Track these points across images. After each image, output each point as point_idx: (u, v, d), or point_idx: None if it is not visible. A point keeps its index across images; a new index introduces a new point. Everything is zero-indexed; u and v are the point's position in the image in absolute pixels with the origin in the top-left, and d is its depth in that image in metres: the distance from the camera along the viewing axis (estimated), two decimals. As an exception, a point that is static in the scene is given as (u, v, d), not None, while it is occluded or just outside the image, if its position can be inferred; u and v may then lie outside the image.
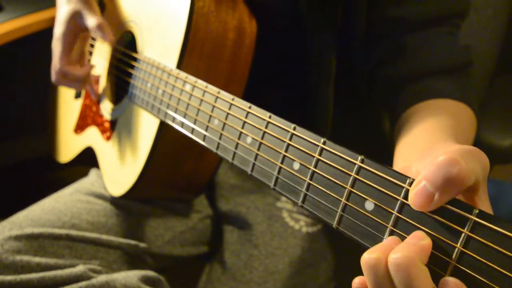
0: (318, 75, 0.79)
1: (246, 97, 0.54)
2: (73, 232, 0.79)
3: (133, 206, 0.88)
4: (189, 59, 0.72)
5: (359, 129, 0.89)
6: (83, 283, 0.71)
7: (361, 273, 0.36)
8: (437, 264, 0.33)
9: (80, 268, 0.74)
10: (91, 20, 0.82)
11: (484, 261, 0.31)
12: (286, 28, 0.82)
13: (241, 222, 0.90)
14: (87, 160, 0.99)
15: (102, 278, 0.73)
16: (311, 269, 0.86)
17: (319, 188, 0.43)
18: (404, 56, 0.71)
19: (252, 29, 0.77)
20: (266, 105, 0.51)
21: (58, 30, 0.85)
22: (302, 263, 0.85)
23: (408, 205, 0.36)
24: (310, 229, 0.87)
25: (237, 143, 0.53)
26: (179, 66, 0.72)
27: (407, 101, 0.69)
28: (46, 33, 1.09)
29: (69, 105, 1.10)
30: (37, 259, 0.73)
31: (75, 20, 0.84)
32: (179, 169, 0.82)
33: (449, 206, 0.33)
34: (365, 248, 0.37)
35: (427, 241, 0.34)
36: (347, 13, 0.75)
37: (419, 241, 0.34)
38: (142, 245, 0.85)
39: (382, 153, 0.60)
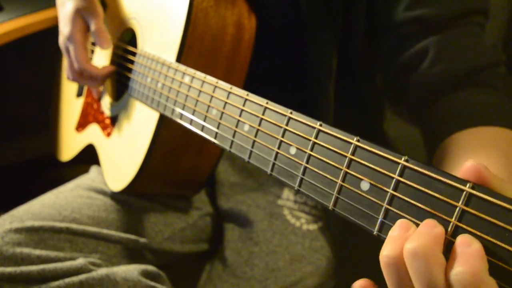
0: (319, 74, 0.79)
1: None
2: (74, 226, 0.79)
3: (133, 201, 0.88)
4: (188, 54, 0.72)
5: (360, 128, 0.89)
6: (83, 276, 0.71)
7: (360, 271, 0.36)
8: (432, 240, 0.33)
9: (80, 261, 0.74)
10: (91, 24, 0.84)
11: (479, 233, 0.31)
12: (286, 27, 0.82)
13: (242, 220, 0.90)
14: (88, 158, 1.00)
15: (102, 271, 0.73)
16: (312, 266, 0.85)
17: (315, 171, 0.43)
18: (425, 61, 0.68)
19: (252, 25, 0.77)
20: None
21: (67, 28, 0.85)
22: (303, 261, 0.85)
23: (404, 182, 0.36)
24: (311, 227, 0.87)
25: (235, 131, 0.53)
26: (178, 60, 0.72)
27: (446, 124, 0.65)
28: (46, 33, 1.11)
29: (71, 104, 1.10)
30: (37, 252, 0.73)
31: (82, 18, 0.85)
32: (178, 164, 0.82)
33: (444, 179, 0.33)
34: (366, 246, 0.37)
35: (440, 229, 0.33)
36: (348, 11, 0.75)
37: (432, 229, 0.33)
38: (142, 240, 0.85)
39: None
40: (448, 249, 0.32)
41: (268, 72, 0.88)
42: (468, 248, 0.30)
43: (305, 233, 0.87)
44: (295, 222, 0.88)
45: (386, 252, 0.34)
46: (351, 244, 0.88)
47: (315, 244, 0.86)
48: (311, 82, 0.80)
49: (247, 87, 0.78)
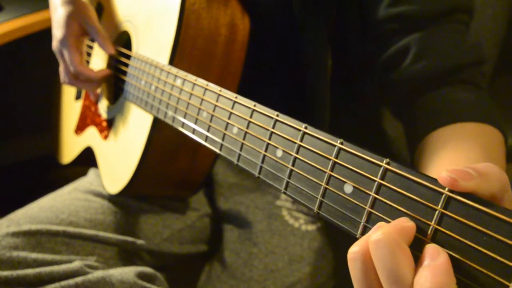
0: (314, 74, 0.79)
1: (243, 96, 0.53)
2: (71, 229, 0.79)
3: (131, 204, 0.89)
4: (180, 56, 0.72)
5: (358, 128, 0.89)
6: (79, 279, 0.71)
7: None
8: (413, 243, 0.33)
9: (76, 264, 0.74)
10: (94, 31, 0.85)
11: (457, 237, 0.30)
12: (280, 27, 0.82)
13: (241, 221, 0.90)
14: (86, 160, 1.00)
15: (98, 273, 0.73)
16: (311, 267, 0.85)
17: (300, 174, 0.43)
18: (407, 58, 0.68)
19: (245, 25, 0.77)
20: (263, 104, 0.50)
21: (60, 32, 0.86)
22: (302, 261, 0.85)
23: (385, 185, 0.35)
24: (310, 227, 0.87)
25: (224, 134, 0.53)
26: (171, 63, 0.72)
27: (427, 121, 0.65)
28: (46, 33, 1.11)
29: (70, 107, 1.11)
30: (34, 255, 0.74)
31: (77, 23, 0.85)
32: (174, 165, 0.83)
33: (424, 182, 0.33)
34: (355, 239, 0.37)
35: (409, 223, 0.33)
36: (340, 12, 0.74)
37: (401, 223, 0.33)
38: (139, 242, 0.85)
39: (381, 152, 0.58)
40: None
41: (264, 73, 0.88)
42: (435, 261, 0.30)
43: (304, 233, 0.87)
44: (294, 223, 0.87)
45: (352, 249, 0.34)
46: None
47: (314, 245, 0.86)
48: (307, 81, 0.80)
49: (243, 88, 0.79)
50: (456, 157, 0.57)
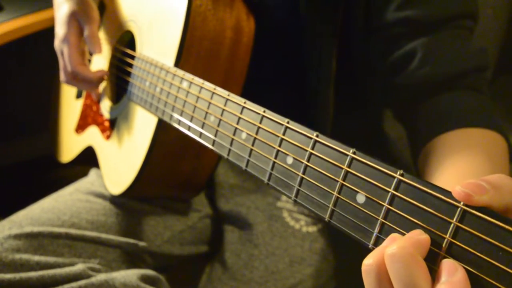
0: (318, 76, 0.78)
1: (245, 97, 0.54)
2: (73, 231, 0.79)
3: (132, 205, 0.88)
4: (186, 57, 0.72)
5: (360, 129, 0.89)
6: (83, 282, 0.71)
7: (360, 273, 0.36)
8: (427, 256, 0.33)
9: (79, 267, 0.74)
10: (85, 28, 0.84)
11: (472, 251, 0.31)
12: (285, 29, 0.82)
13: (242, 222, 0.90)
14: (87, 159, 1.00)
15: (101, 276, 0.73)
16: (311, 268, 0.85)
17: (311, 182, 0.43)
18: (413, 62, 0.68)
19: (250, 28, 0.77)
20: (266, 106, 0.51)
21: (61, 31, 0.85)
22: (302, 263, 0.85)
23: (399, 197, 0.36)
24: (311, 229, 0.87)
25: (232, 139, 0.53)
26: (177, 64, 0.72)
27: (431, 126, 0.65)
28: (46, 33, 1.11)
29: (70, 105, 1.10)
30: (36, 258, 0.73)
31: (77, 21, 0.85)
32: (177, 167, 0.82)
33: (438, 195, 0.33)
34: (366, 248, 0.37)
35: (424, 236, 0.33)
36: (347, 13, 0.74)
37: (416, 235, 0.33)
38: (141, 244, 0.85)
39: (382, 154, 0.59)
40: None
41: (268, 75, 0.88)
42: (452, 277, 0.30)
43: (305, 235, 0.87)
44: (295, 224, 0.88)
45: (367, 261, 0.34)
46: (351, 245, 0.88)
47: (315, 246, 0.86)
48: (310, 83, 0.80)
49: (247, 90, 0.79)
50: (460, 166, 0.57)
